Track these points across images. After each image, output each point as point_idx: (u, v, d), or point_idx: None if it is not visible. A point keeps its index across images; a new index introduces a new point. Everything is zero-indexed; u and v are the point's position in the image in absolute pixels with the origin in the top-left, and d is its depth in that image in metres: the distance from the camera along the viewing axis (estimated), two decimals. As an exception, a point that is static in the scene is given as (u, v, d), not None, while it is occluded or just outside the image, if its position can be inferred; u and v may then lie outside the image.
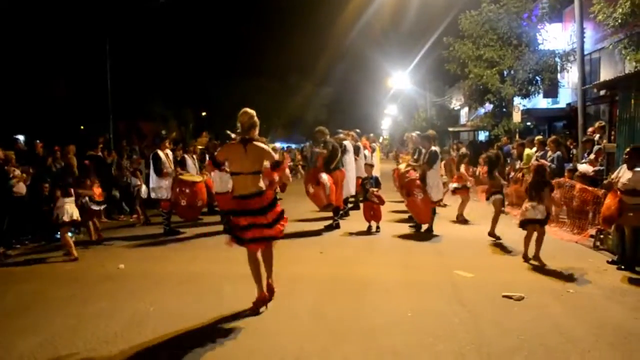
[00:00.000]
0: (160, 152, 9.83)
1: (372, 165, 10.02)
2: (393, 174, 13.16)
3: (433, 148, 9.45)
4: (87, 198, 9.09)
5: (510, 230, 8.82)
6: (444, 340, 4.41)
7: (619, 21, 10.32)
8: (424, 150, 9.85)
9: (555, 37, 19.09)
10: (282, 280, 6.22)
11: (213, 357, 4.18)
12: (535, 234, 7.16)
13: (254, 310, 5.14)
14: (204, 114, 39.44)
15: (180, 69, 24.46)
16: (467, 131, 32.55)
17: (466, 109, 35.35)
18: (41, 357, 4.25)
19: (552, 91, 22.33)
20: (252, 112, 5.24)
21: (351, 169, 10.69)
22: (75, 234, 9.44)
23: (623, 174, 6.72)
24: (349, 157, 10.55)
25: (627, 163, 6.72)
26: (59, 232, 9.70)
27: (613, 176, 6.96)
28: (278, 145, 29.36)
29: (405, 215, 10.85)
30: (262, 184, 5.25)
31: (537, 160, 11.35)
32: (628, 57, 10.63)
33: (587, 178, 9.09)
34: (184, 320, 4.97)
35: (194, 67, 26.04)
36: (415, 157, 10.16)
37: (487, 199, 8.99)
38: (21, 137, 10.78)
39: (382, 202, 9.34)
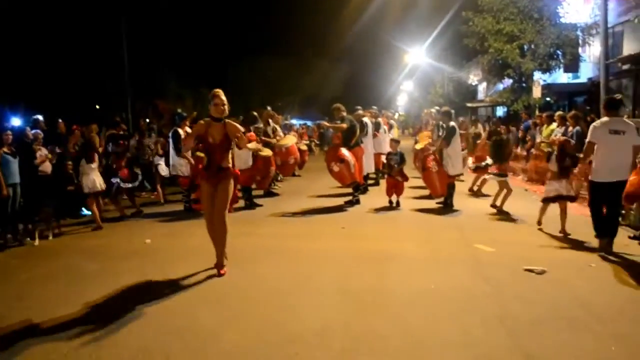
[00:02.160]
0: (180, 130, 9.95)
1: (398, 141, 10.04)
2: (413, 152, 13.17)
3: (451, 124, 9.50)
4: (118, 179, 9.31)
5: (531, 206, 8.86)
6: (468, 313, 4.49)
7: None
8: (445, 126, 9.88)
9: (577, 10, 18.71)
10: (305, 256, 6.39)
11: (239, 330, 4.30)
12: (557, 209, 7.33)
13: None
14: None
15: (195, 47, 24.40)
16: (485, 107, 32.22)
17: (484, 85, 34.88)
18: (78, 326, 4.41)
19: (572, 66, 21.96)
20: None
21: (369, 146, 10.74)
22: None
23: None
24: (368, 134, 10.60)
25: None
26: (84, 208, 10.05)
27: None
28: (295, 122, 29.35)
29: (426, 192, 10.89)
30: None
31: (557, 136, 11.31)
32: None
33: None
34: (215, 294, 5.13)
35: (210, 45, 25.95)
36: (439, 133, 10.15)
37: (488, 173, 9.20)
38: (40, 117, 10.88)
39: (405, 179, 9.42)
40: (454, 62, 34.16)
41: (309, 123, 32.47)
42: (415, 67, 39.43)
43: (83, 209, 10.22)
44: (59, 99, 21.06)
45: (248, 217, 9.16)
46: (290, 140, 12.67)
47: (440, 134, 10.28)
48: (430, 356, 3.76)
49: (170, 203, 11.14)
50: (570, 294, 4.94)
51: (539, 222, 7.68)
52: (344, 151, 9.29)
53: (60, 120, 11.01)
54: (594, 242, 6.72)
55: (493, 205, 9.11)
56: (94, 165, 8.65)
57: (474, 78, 33.69)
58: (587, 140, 6.58)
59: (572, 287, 5.14)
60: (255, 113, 10.49)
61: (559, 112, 12.70)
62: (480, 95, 35.28)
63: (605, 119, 6.53)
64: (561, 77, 23.03)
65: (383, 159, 12.24)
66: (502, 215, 8.72)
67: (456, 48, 34.03)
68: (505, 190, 8.92)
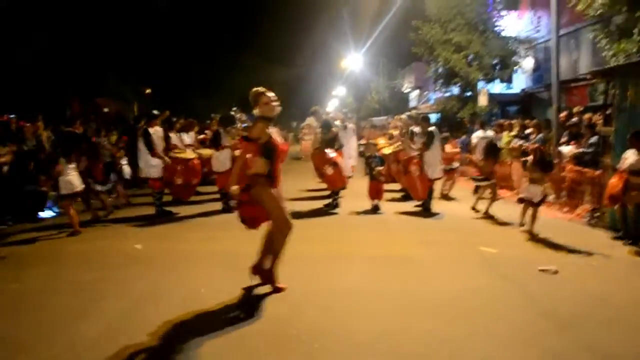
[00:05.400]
0: (150, 130, 9.43)
1: (376, 144, 10.11)
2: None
3: (430, 128, 9.69)
4: (92, 179, 8.72)
5: (504, 207, 9.28)
6: (513, 310, 4.60)
7: (599, 11, 10.82)
8: (417, 130, 10.06)
9: (515, 24, 19.80)
10: (317, 261, 6.26)
11: (264, 333, 4.16)
12: (529, 210, 7.79)
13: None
14: (148, 91, 37.72)
15: (135, 45, 23.25)
16: (417, 114, 33.13)
17: (416, 92, 36.02)
18: (105, 344, 4.02)
19: (507, 76, 23.20)
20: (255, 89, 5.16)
21: (346, 149, 10.78)
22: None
23: (630, 156, 7.16)
24: (347, 137, 10.64)
25: (634, 146, 7.17)
26: (44, 210, 9.32)
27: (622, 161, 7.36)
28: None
29: (398, 195, 11.09)
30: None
31: (518, 143, 11.91)
32: (607, 46, 11.16)
33: (579, 159, 9.59)
34: (252, 300, 4.92)
35: (151, 45, 24.80)
36: (413, 138, 10.30)
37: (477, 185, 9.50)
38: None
39: (387, 180, 9.51)
40: (389, 69, 34.98)
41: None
42: (352, 73, 39.90)
43: (39, 213, 9.50)
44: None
45: (232, 220, 8.83)
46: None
47: (415, 138, 10.46)
48: (505, 355, 3.80)
49: (135, 206, 10.50)
50: (591, 292, 5.17)
51: (522, 224, 7.95)
52: (333, 154, 9.24)
53: (12, 117, 10.13)
54: (582, 244, 7.11)
55: (474, 208, 9.33)
56: (74, 165, 8.01)
57: (408, 86, 34.68)
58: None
59: (592, 285, 5.39)
60: (233, 113, 10.19)
61: (514, 121, 13.36)
62: (412, 103, 36.32)
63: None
64: (495, 87, 24.23)
65: (351, 161, 12.36)
66: (486, 218, 8.97)
67: (390, 55, 34.97)
68: (493, 194, 9.23)
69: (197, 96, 30.65)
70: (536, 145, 8.88)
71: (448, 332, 4.18)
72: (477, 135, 12.36)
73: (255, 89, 5.14)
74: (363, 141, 20.15)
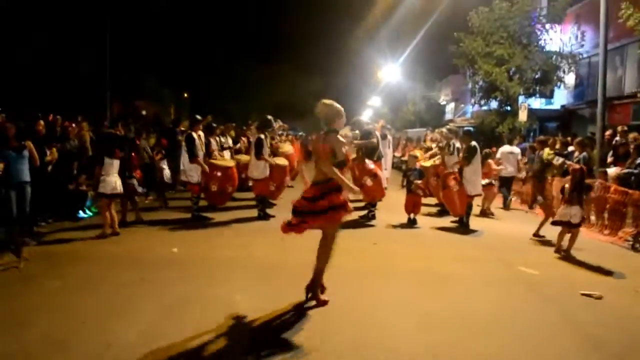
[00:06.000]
0: (194, 134, 9.52)
1: (416, 157, 10.00)
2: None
3: (472, 143, 9.51)
4: (134, 180, 8.84)
5: (544, 227, 9.01)
6: (559, 337, 4.45)
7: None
8: (457, 145, 9.91)
9: (554, 38, 19.41)
10: (357, 274, 6.15)
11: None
12: (568, 233, 7.49)
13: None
14: (185, 95, 38.29)
15: (177, 51, 23.70)
16: (457, 127, 32.74)
17: (452, 105, 35.63)
18: (140, 347, 4.01)
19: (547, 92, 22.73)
20: (327, 102, 5.13)
21: (384, 160, 10.69)
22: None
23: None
24: (385, 148, 10.57)
25: None
26: (81, 211, 9.49)
27: None
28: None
29: (434, 209, 10.94)
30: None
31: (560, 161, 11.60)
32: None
33: (623, 180, 9.30)
34: (277, 309, 4.87)
35: (189, 52, 25.28)
36: (451, 152, 10.16)
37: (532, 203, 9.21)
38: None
39: (426, 194, 9.37)
40: (426, 80, 34.72)
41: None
42: (387, 83, 39.69)
43: (80, 211, 9.68)
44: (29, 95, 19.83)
45: (267, 227, 8.87)
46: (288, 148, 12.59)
47: (453, 152, 10.30)
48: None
49: (172, 209, 10.59)
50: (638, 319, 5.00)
51: (558, 250, 7.60)
52: (374, 166, 9.17)
53: (58, 117, 10.37)
54: (626, 267, 6.87)
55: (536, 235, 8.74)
56: (116, 163, 8.10)
57: (444, 98, 34.35)
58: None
59: (637, 312, 5.20)
60: (269, 117, 10.20)
61: (556, 137, 13.07)
62: (448, 115, 35.90)
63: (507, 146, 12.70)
64: (535, 102, 23.74)
65: (386, 173, 12.26)
66: (520, 236, 8.75)
67: (427, 66, 34.71)
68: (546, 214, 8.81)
69: (233, 102, 31.04)
70: (578, 166, 8.54)
71: (489, 353, 4.06)
72: (504, 150, 12.80)
73: (333, 104, 5.10)
74: (397, 153, 20.10)
